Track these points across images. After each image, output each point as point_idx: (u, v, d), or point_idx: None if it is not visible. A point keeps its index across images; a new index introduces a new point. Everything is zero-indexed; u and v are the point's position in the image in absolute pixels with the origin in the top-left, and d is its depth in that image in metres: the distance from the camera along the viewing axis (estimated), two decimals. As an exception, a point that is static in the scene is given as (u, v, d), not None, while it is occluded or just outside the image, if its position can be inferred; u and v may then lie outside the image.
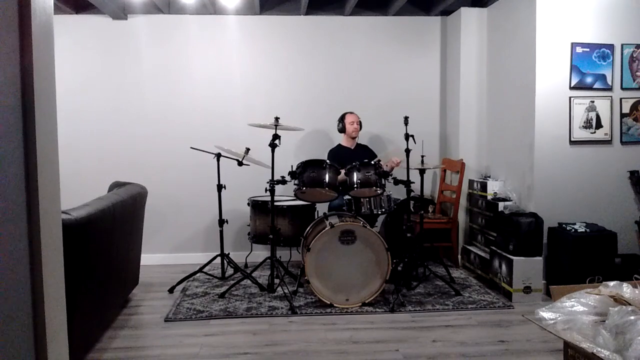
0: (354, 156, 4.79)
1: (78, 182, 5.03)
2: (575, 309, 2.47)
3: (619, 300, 2.46)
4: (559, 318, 2.43)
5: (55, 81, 1.66)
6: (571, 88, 4.31)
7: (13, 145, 1.43)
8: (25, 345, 1.50)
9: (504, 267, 4.24)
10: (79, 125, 5.30)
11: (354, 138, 5.11)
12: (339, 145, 5.17)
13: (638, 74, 4.37)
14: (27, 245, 1.49)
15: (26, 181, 1.48)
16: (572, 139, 4.34)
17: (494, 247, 4.44)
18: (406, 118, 4.33)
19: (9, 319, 1.41)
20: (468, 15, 5.24)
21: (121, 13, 5.22)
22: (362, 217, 4.33)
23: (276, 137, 4.19)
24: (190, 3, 5.07)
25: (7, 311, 1.41)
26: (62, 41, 5.07)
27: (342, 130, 5.11)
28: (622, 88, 4.37)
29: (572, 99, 4.31)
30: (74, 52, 5.29)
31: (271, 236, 4.28)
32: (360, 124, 5.09)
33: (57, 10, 5.07)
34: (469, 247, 5.07)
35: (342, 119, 5.11)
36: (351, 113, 5.10)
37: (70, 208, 2.90)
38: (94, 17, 5.29)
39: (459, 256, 5.23)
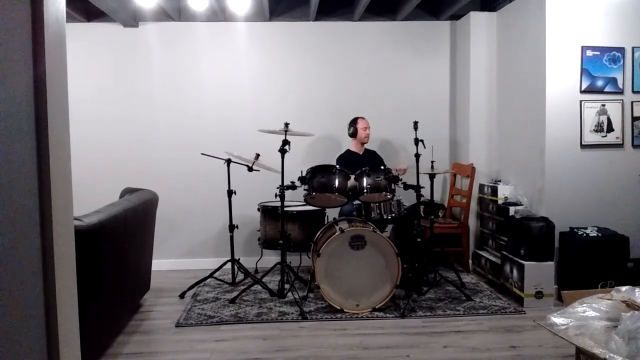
0: (363, 161, 4.80)
1: (90, 188, 5.08)
2: (587, 315, 2.45)
3: (631, 306, 2.44)
4: (570, 323, 2.41)
5: (67, 89, 1.68)
6: (582, 92, 4.29)
7: (26, 152, 1.45)
8: (38, 350, 1.51)
9: (515, 272, 4.22)
10: (90, 132, 5.35)
11: (363, 143, 5.11)
12: (348, 150, 5.17)
13: (649, 77, 4.34)
14: (39, 251, 1.51)
15: (39, 188, 1.50)
16: (583, 143, 4.31)
17: (505, 252, 4.41)
18: (416, 123, 4.33)
19: (22, 324, 1.43)
20: (477, 19, 5.23)
21: (132, 21, 5.27)
22: (372, 222, 4.33)
23: (286, 142, 4.21)
24: (200, 10, 5.11)
25: (20, 317, 1.42)
26: (73, 49, 5.11)
27: (353, 134, 5.09)
28: (633, 91, 4.34)
29: (582, 102, 4.29)
30: (85, 60, 5.36)
31: (281, 241, 4.29)
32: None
33: (69, 18, 5.14)
34: (479, 252, 5.05)
35: (353, 123, 5.09)
36: (362, 118, 5.09)
37: (82, 214, 2.92)
38: (105, 24, 5.35)
39: (470, 261, 5.20)
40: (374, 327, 3.74)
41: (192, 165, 5.37)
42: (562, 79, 4.27)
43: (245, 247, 5.49)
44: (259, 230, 4.91)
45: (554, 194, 4.32)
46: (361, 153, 5.13)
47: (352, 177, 4.28)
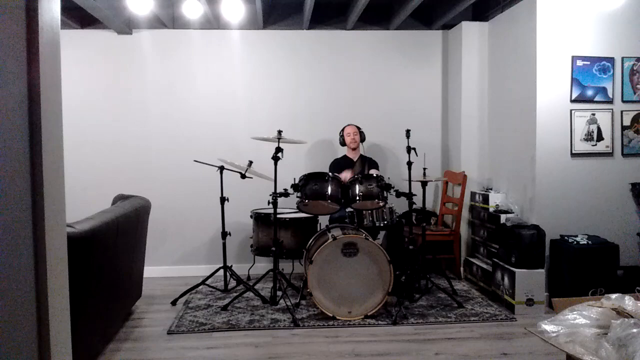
0: (358, 166, 4.85)
1: (82, 195, 5.06)
2: (577, 322, 2.46)
3: (621, 313, 2.45)
4: (561, 331, 2.42)
5: (62, 97, 1.69)
6: (572, 101, 4.33)
7: (20, 160, 1.45)
8: (30, 357, 1.51)
9: (506, 279, 4.24)
10: (83, 139, 5.34)
11: (354, 149, 5.14)
12: (345, 155, 5.22)
13: (638, 86, 4.39)
14: (32, 258, 1.51)
15: (32, 195, 1.51)
16: (574, 152, 4.35)
17: (496, 260, 4.44)
18: (408, 131, 4.35)
19: (14, 331, 1.43)
20: (469, 29, 5.28)
21: (126, 28, 5.28)
22: (364, 229, 4.34)
23: (279, 150, 4.22)
24: (194, 18, 5.12)
25: (12, 323, 1.42)
26: (67, 55, 5.12)
27: (342, 143, 5.16)
28: (622, 101, 4.39)
29: (573, 111, 4.33)
30: (79, 67, 5.35)
31: (274, 248, 4.29)
32: (361, 135, 5.12)
33: (63, 25, 5.12)
34: (471, 259, 5.07)
35: (342, 131, 5.16)
36: (350, 125, 5.14)
37: (75, 221, 2.92)
38: (99, 31, 5.35)
39: (462, 268, 5.22)
40: (366, 335, 3.75)
41: (185, 172, 5.37)
42: (552, 88, 4.31)
43: (238, 254, 5.49)
44: (251, 237, 4.91)
45: (545, 202, 4.35)
46: (355, 159, 5.15)
47: (348, 172, 4.29)
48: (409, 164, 4.33)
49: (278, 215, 4.42)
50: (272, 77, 5.54)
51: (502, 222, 4.49)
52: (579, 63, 4.31)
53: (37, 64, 1.51)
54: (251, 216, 4.86)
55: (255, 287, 4.50)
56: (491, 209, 4.77)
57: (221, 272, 4.76)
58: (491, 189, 5.06)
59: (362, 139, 5.15)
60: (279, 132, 4.28)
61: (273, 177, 4.26)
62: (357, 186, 4.21)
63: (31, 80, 1.50)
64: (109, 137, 5.42)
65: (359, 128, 5.13)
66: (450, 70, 5.60)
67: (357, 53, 5.60)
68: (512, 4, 4.72)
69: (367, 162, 5.16)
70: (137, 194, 4.29)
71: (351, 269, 3.99)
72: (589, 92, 4.34)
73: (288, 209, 4.98)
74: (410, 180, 4.34)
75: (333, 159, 5.30)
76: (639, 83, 4.39)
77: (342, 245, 3.98)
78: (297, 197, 4.25)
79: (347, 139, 5.10)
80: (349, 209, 4.45)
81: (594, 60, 4.33)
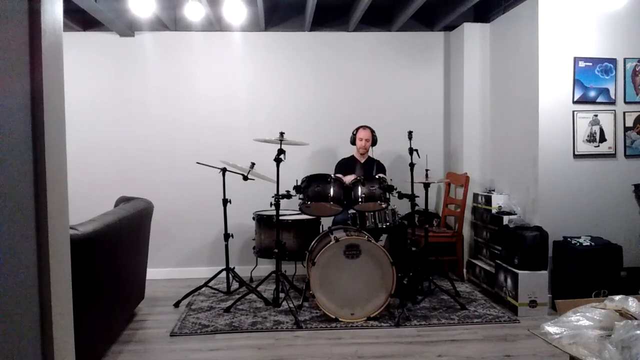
0: (361, 169, 4.83)
1: (85, 197, 5.06)
2: (580, 323, 2.46)
3: (624, 315, 2.45)
4: (564, 332, 2.42)
5: (64, 100, 1.69)
6: (574, 102, 4.33)
7: (23, 162, 1.45)
8: (33, 359, 1.51)
9: (509, 281, 4.23)
10: (86, 141, 5.35)
11: (362, 154, 5.12)
12: (352, 156, 5.19)
13: (641, 87, 4.39)
14: (35, 260, 1.51)
15: (35, 197, 1.51)
16: (576, 153, 4.34)
17: (499, 261, 4.43)
18: (410, 132, 4.36)
19: (17, 334, 1.43)
20: (471, 30, 5.28)
21: (128, 30, 5.29)
22: (366, 231, 4.34)
23: (281, 151, 4.22)
24: (196, 20, 5.12)
25: (16, 326, 1.42)
26: (69, 58, 5.13)
27: (352, 142, 5.11)
28: (625, 102, 4.38)
29: (575, 112, 4.32)
30: (81, 69, 5.36)
31: (276, 250, 4.29)
32: (373, 139, 5.05)
33: (65, 27, 5.14)
34: (474, 261, 5.06)
35: (355, 131, 5.07)
36: (364, 128, 5.04)
37: (78, 223, 2.92)
38: (101, 34, 5.37)
39: (464, 270, 5.21)
40: (368, 336, 3.74)
41: (188, 174, 5.37)
42: (554, 89, 4.31)
43: (240, 255, 5.49)
44: (254, 239, 4.91)
45: (548, 204, 4.34)
46: (362, 161, 5.13)
47: (354, 176, 4.37)
48: (411, 165, 4.33)
49: (280, 217, 4.42)
50: (274, 78, 5.54)
51: (504, 223, 4.49)
52: (581, 64, 4.31)
53: (39, 66, 1.51)
54: (253, 218, 4.86)
55: (258, 289, 4.50)
56: (494, 211, 4.77)
57: (224, 274, 4.76)
58: (494, 191, 5.05)
59: (374, 143, 5.09)
60: (281, 133, 4.28)
61: (275, 179, 4.26)
62: (359, 188, 4.21)
63: (34, 83, 1.50)
64: (111, 139, 5.43)
65: (372, 132, 5.04)
66: (452, 72, 5.60)
67: (358, 54, 5.60)
68: (513, 5, 4.72)
69: (375, 165, 5.14)
70: (140, 196, 4.30)
71: (354, 270, 3.99)
72: (592, 93, 4.33)
73: (290, 210, 4.98)
74: (412, 182, 4.34)
75: (336, 160, 5.28)
76: (641, 84, 4.39)
77: (345, 247, 3.98)
78: (300, 198, 4.25)
79: (359, 144, 5.04)
80: (351, 211, 4.45)
81: (596, 61, 4.32)
